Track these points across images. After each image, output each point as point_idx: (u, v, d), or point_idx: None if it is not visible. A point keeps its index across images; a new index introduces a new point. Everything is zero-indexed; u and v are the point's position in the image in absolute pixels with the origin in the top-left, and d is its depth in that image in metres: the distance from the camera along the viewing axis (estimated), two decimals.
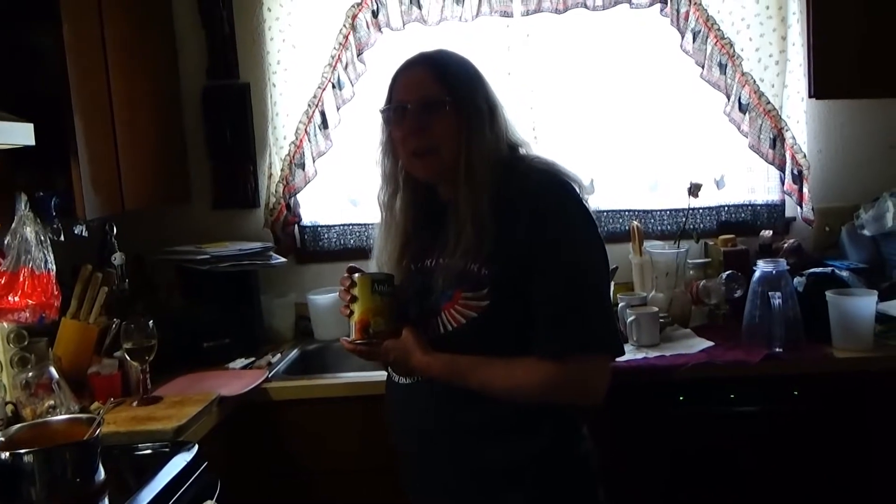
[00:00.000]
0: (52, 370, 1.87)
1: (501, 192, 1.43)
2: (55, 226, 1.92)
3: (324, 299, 2.62)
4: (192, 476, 1.67)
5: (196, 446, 1.76)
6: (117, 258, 2.29)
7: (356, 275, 1.49)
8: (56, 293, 1.90)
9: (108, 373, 2.06)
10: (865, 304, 2.11)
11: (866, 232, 2.47)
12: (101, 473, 1.53)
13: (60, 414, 1.80)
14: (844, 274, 2.29)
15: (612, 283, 2.30)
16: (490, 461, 1.45)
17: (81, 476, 1.49)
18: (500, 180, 1.43)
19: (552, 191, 1.42)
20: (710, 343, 2.23)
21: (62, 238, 1.95)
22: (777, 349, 2.10)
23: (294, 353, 2.55)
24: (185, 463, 1.69)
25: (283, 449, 2.19)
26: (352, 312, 1.48)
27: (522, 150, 1.54)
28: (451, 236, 1.44)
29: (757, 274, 2.21)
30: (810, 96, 2.29)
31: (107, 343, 2.13)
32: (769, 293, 2.13)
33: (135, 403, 1.99)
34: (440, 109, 1.46)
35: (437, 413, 1.49)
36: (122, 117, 2.27)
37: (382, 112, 1.55)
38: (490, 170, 1.43)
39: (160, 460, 1.69)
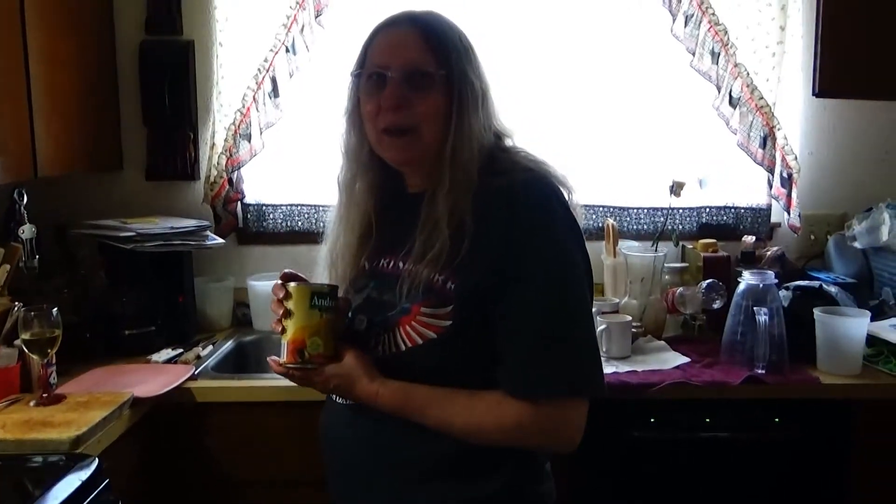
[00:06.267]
0: None
1: (477, 188, 1.21)
2: None
3: (265, 285, 2.35)
4: (87, 497, 1.42)
5: (96, 461, 1.50)
6: (26, 231, 1.99)
7: (291, 284, 1.24)
8: None
9: (4, 364, 1.78)
10: (857, 325, 1.93)
11: (857, 244, 2.28)
12: None
13: None
14: (833, 289, 2.11)
15: None
16: (433, 501, 1.23)
17: None
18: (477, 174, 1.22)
19: (538, 197, 1.20)
20: (686, 359, 2.04)
21: None
22: (759, 370, 1.92)
23: (229, 344, 2.31)
24: (81, 482, 1.43)
25: (207, 460, 1.93)
26: (284, 329, 1.23)
27: (508, 142, 1.30)
28: (420, 237, 1.21)
29: (742, 286, 2.01)
30: (814, 93, 2.08)
31: (6, 329, 1.85)
32: (754, 308, 1.94)
33: (32, 403, 1.73)
34: (429, 83, 1.22)
35: (377, 443, 1.27)
36: (40, 73, 1.98)
37: (354, 77, 1.30)
38: (476, 162, 1.22)
39: (51, 476, 1.42)
